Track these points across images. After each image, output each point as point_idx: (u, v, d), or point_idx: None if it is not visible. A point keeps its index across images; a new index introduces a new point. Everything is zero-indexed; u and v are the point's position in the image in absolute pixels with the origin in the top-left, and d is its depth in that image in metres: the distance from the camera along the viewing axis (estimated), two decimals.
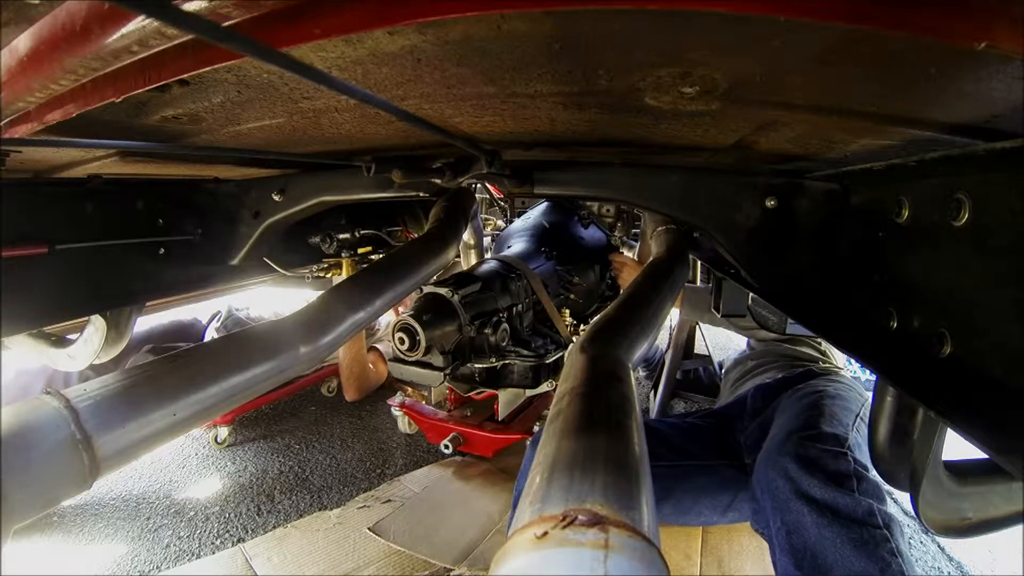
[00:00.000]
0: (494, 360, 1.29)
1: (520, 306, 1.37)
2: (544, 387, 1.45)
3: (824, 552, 0.92)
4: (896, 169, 0.61)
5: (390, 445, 2.29)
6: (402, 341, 1.13)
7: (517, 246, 1.65)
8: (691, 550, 1.58)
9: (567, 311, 1.52)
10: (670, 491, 1.34)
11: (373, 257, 1.72)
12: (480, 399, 2.11)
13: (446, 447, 1.97)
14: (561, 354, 1.42)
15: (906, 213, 0.57)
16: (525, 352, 1.36)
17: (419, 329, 1.11)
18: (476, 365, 1.30)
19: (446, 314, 1.18)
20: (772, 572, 1.54)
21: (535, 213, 1.90)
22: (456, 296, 1.18)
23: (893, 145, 0.56)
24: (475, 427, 2.01)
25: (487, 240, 2.27)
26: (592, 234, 1.86)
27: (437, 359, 1.16)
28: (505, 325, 1.29)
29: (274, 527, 1.77)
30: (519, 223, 1.88)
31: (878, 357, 0.58)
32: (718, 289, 2.13)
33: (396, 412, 2.17)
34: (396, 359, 1.18)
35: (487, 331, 1.24)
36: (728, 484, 1.37)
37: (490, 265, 1.42)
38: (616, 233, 1.98)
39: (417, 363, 1.16)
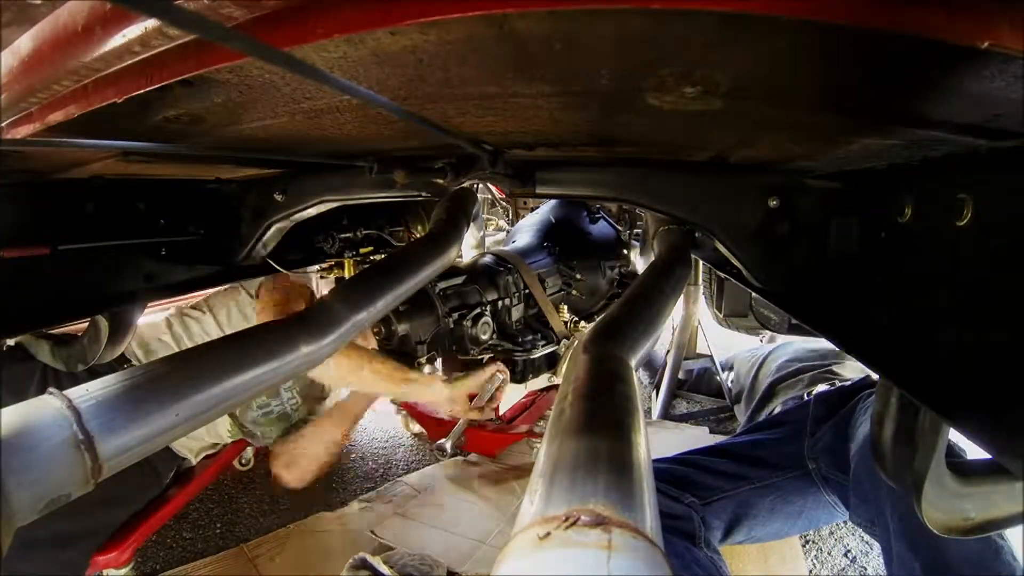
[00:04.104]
0: (475, 352, 1.30)
1: (509, 300, 1.37)
2: (541, 381, 1.46)
3: (939, 535, 0.94)
4: (898, 169, 0.61)
5: (392, 445, 2.29)
6: (379, 330, 1.16)
7: (521, 241, 1.66)
8: None
9: (564, 307, 1.52)
10: (740, 518, 1.32)
11: (375, 257, 1.72)
12: None
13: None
14: (551, 349, 1.42)
15: (908, 213, 0.57)
16: (509, 346, 1.36)
17: (393, 318, 1.13)
18: (459, 357, 1.31)
19: (423, 305, 1.19)
20: (771, 573, 1.54)
21: (545, 208, 1.89)
22: (435, 288, 1.20)
23: (895, 145, 0.55)
24: (478, 426, 2.00)
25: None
26: (600, 230, 1.82)
27: (412, 348, 1.18)
28: (487, 319, 1.29)
29: (277, 527, 1.77)
30: (529, 218, 1.88)
31: (880, 357, 0.58)
32: (720, 289, 2.13)
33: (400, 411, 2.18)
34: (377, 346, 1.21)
35: (466, 323, 1.25)
36: (795, 494, 1.36)
37: (482, 259, 1.44)
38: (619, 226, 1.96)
39: (393, 352, 1.19)
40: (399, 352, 1.20)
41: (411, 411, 2.12)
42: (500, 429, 2.00)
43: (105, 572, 1.45)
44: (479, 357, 1.34)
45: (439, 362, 1.41)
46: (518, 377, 1.42)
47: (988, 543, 0.94)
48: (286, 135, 0.75)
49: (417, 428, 2.22)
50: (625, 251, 1.79)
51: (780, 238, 0.80)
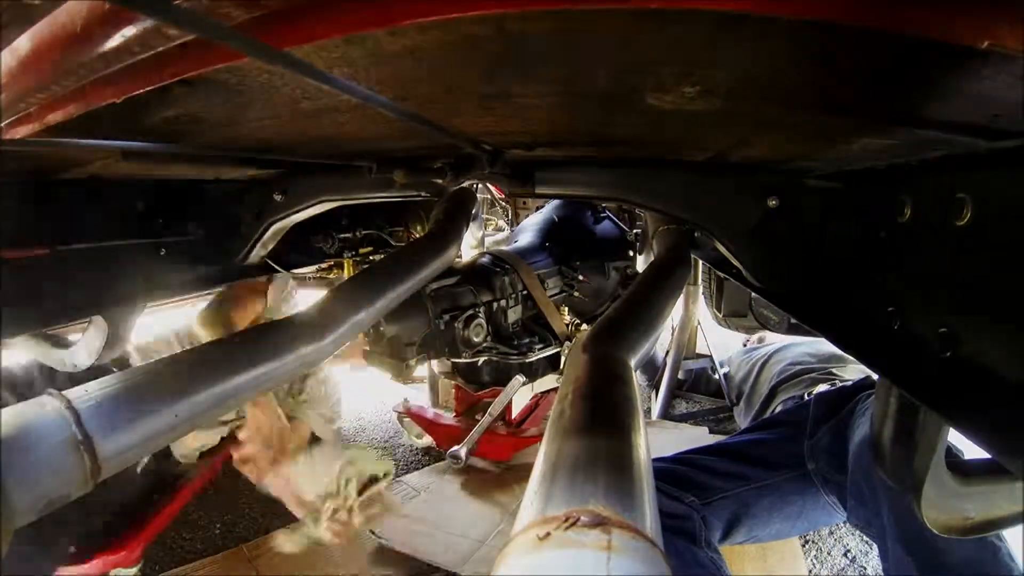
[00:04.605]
0: (468, 355, 1.27)
1: (506, 301, 1.35)
2: (548, 382, 1.43)
3: (936, 537, 0.95)
4: (898, 168, 0.61)
5: (392, 445, 2.29)
6: (367, 332, 1.14)
7: (523, 240, 1.63)
8: None
9: (565, 309, 1.50)
10: (740, 518, 1.32)
11: (375, 257, 1.72)
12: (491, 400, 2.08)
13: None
14: (550, 352, 1.39)
15: (908, 212, 0.57)
16: (504, 349, 1.33)
17: (382, 320, 1.10)
18: (452, 359, 1.28)
19: (413, 306, 1.16)
20: (771, 573, 1.54)
21: (548, 207, 1.85)
22: (426, 288, 1.17)
23: (895, 144, 0.55)
24: (490, 430, 1.97)
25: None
26: (605, 229, 1.78)
27: (402, 351, 1.16)
28: (480, 320, 1.26)
29: (277, 527, 1.77)
30: (533, 217, 1.85)
31: (880, 357, 0.58)
32: (719, 289, 2.13)
33: (403, 419, 2.13)
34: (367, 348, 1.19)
35: (457, 325, 1.22)
36: (794, 495, 1.36)
37: (480, 259, 1.41)
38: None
39: (382, 353, 1.17)
40: (387, 354, 1.18)
41: (416, 418, 2.09)
42: (512, 434, 1.98)
43: (114, 572, 1.45)
44: (473, 360, 1.32)
45: (435, 363, 1.39)
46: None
47: (986, 544, 0.94)
48: (286, 135, 0.75)
49: (422, 442, 2.18)
50: (631, 252, 1.75)
51: (779, 238, 0.80)
